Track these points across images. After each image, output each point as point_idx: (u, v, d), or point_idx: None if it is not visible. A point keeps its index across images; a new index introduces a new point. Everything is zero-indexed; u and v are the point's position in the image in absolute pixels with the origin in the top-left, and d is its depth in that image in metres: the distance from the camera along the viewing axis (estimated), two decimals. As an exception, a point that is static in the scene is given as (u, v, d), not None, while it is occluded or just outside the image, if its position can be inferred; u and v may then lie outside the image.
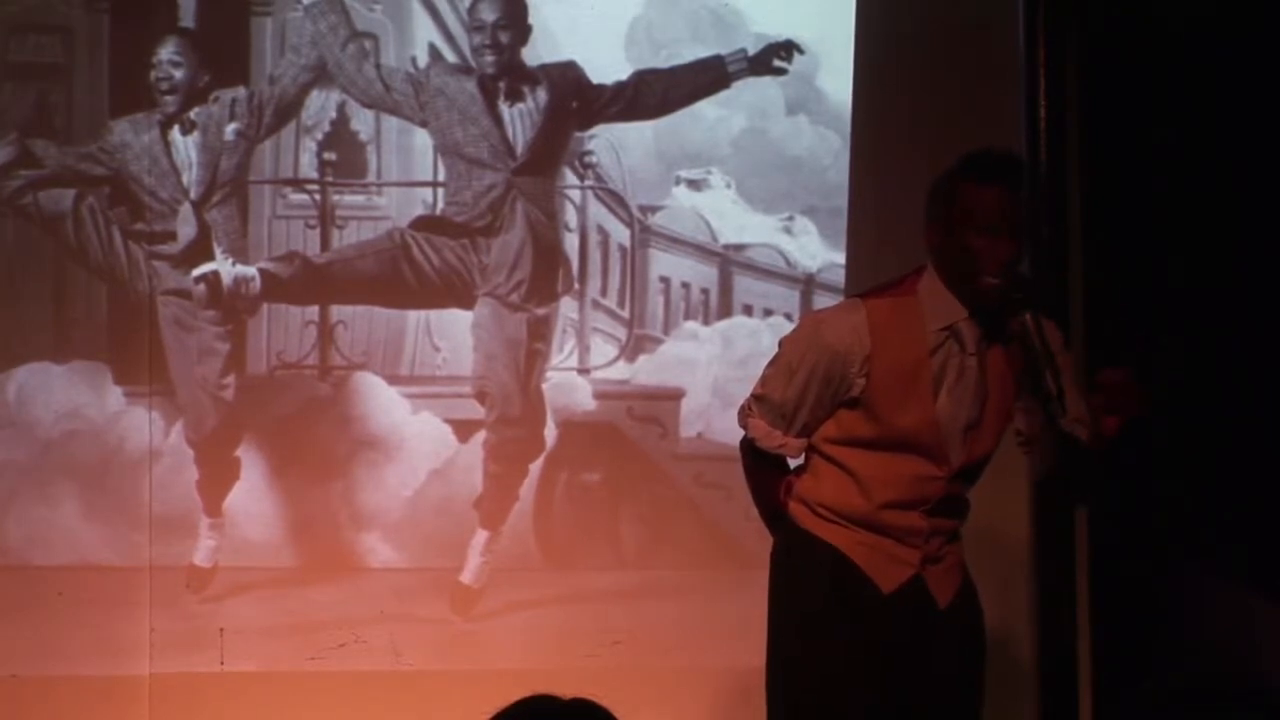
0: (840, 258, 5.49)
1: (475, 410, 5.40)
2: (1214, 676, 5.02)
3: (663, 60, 5.47)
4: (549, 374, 5.43)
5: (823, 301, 5.37)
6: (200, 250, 5.33)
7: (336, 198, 5.40)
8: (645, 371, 5.47)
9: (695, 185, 5.49)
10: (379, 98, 5.40)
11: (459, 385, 5.41)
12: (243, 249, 5.36)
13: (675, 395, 5.48)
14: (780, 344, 3.97)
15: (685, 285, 5.52)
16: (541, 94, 5.42)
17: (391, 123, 5.42)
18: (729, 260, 5.52)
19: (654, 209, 5.49)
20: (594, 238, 5.47)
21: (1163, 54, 5.25)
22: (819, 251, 5.52)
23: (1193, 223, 5.20)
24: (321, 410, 5.38)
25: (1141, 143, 5.29)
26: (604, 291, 5.48)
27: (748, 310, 5.52)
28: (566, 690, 2.64)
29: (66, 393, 5.29)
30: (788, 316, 5.45)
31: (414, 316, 5.41)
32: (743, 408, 4.00)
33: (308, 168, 5.40)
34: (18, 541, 5.27)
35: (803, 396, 3.88)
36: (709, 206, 5.51)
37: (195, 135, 5.34)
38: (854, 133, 5.46)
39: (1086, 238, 5.37)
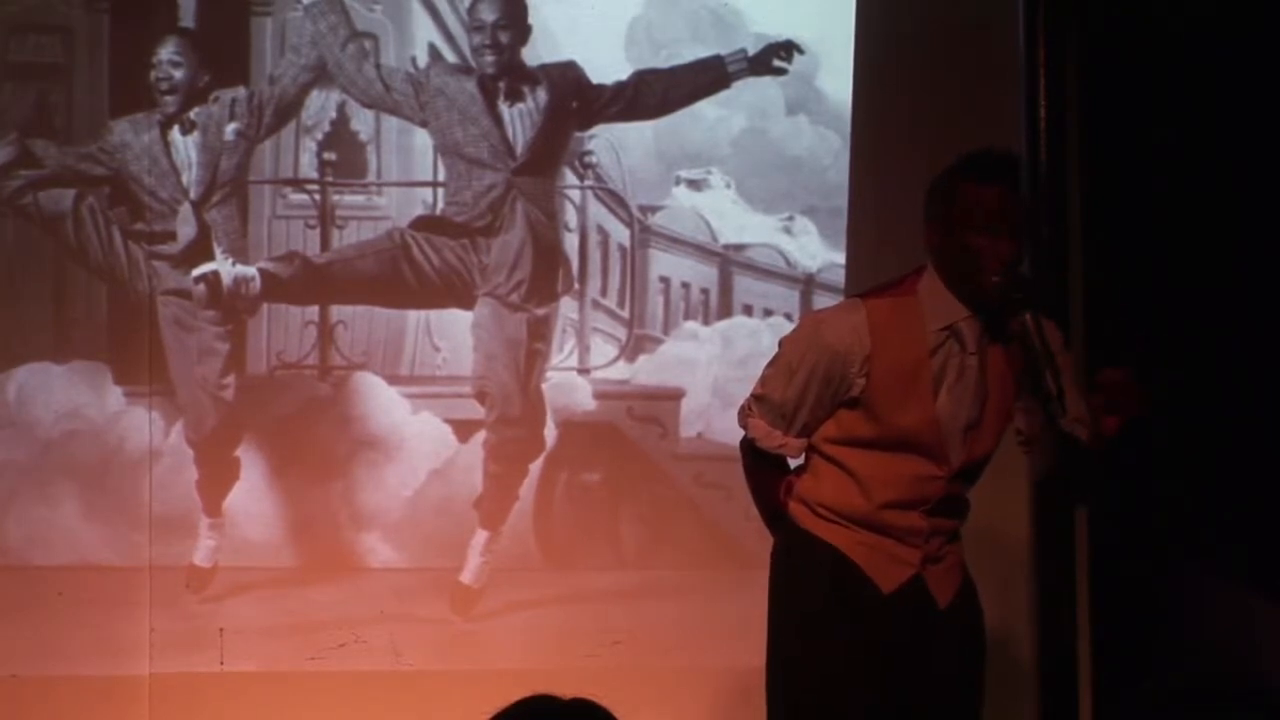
0: (840, 258, 5.49)
1: (475, 410, 5.40)
2: (1214, 676, 5.02)
3: (663, 60, 5.47)
4: (549, 374, 5.43)
5: (823, 301, 5.37)
6: (200, 250, 5.33)
7: (336, 198, 5.40)
8: (645, 371, 5.47)
9: (695, 185, 5.49)
10: (379, 98, 5.40)
11: (459, 385, 5.41)
12: (243, 249, 5.36)
13: (675, 395, 5.48)
14: (780, 344, 3.97)
15: (685, 285, 5.52)
16: (541, 94, 5.42)
17: (391, 123, 5.42)
18: (729, 260, 5.52)
19: (654, 209, 5.49)
20: (594, 238, 5.47)
21: (1163, 54, 5.25)
22: (819, 251, 5.52)
23: (1193, 223, 5.20)
24: (321, 410, 5.38)
25: (1141, 143, 5.28)
26: (604, 291, 5.48)
27: (748, 310, 5.52)
28: (566, 690, 2.64)
29: (66, 393, 5.29)
30: (788, 316, 5.45)
31: (414, 316, 5.41)
32: (743, 408, 4.00)
33: (308, 168, 5.40)
34: (18, 541, 5.27)
35: (803, 396, 3.88)
36: (709, 206, 5.51)
37: (195, 135, 5.34)
38: (854, 133, 5.46)
39: (1086, 238, 5.37)
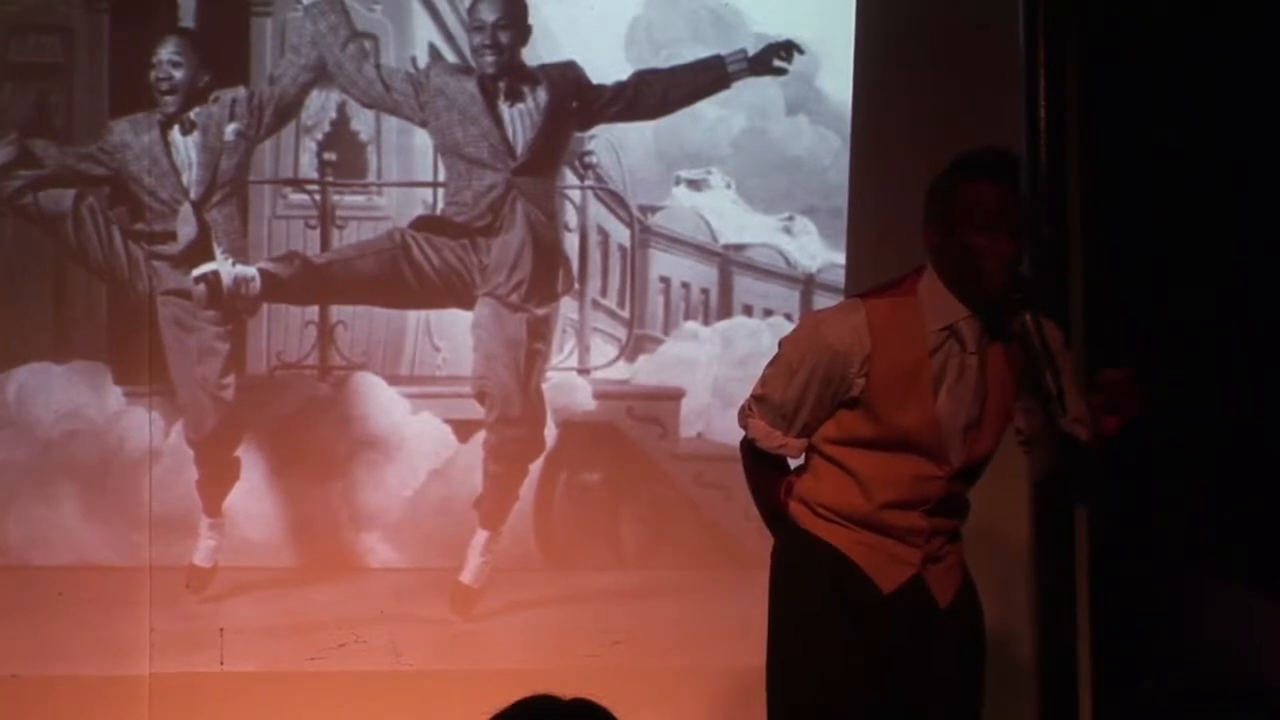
0: (840, 258, 5.49)
1: (475, 410, 5.40)
2: (1214, 676, 5.02)
3: (663, 60, 5.47)
4: (549, 374, 5.43)
5: (823, 301, 5.37)
6: (200, 250, 5.33)
7: (336, 198, 5.40)
8: (645, 371, 5.47)
9: (695, 185, 5.49)
10: (379, 98, 5.40)
11: (459, 385, 5.41)
12: (243, 249, 5.36)
13: (675, 395, 5.48)
14: (780, 344, 3.97)
15: (685, 285, 5.52)
16: (541, 94, 5.42)
17: (391, 123, 5.42)
18: (729, 260, 5.52)
19: (654, 209, 5.49)
20: (594, 238, 5.47)
21: (1163, 54, 5.25)
22: (819, 251, 5.52)
23: (1193, 223, 5.20)
24: (321, 410, 5.38)
25: (1141, 143, 5.28)
26: (604, 291, 5.48)
27: (748, 310, 5.52)
28: (566, 690, 2.64)
29: (66, 393, 5.29)
30: (788, 316, 5.45)
31: (414, 316, 5.41)
32: (743, 408, 4.00)
33: (308, 168, 5.40)
34: (18, 541, 5.27)
35: (803, 397, 3.88)
36: (709, 206, 5.51)
37: (195, 135, 5.34)
38: (854, 133, 5.46)
39: (1086, 238, 5.37)
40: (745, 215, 5.51)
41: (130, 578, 5.27)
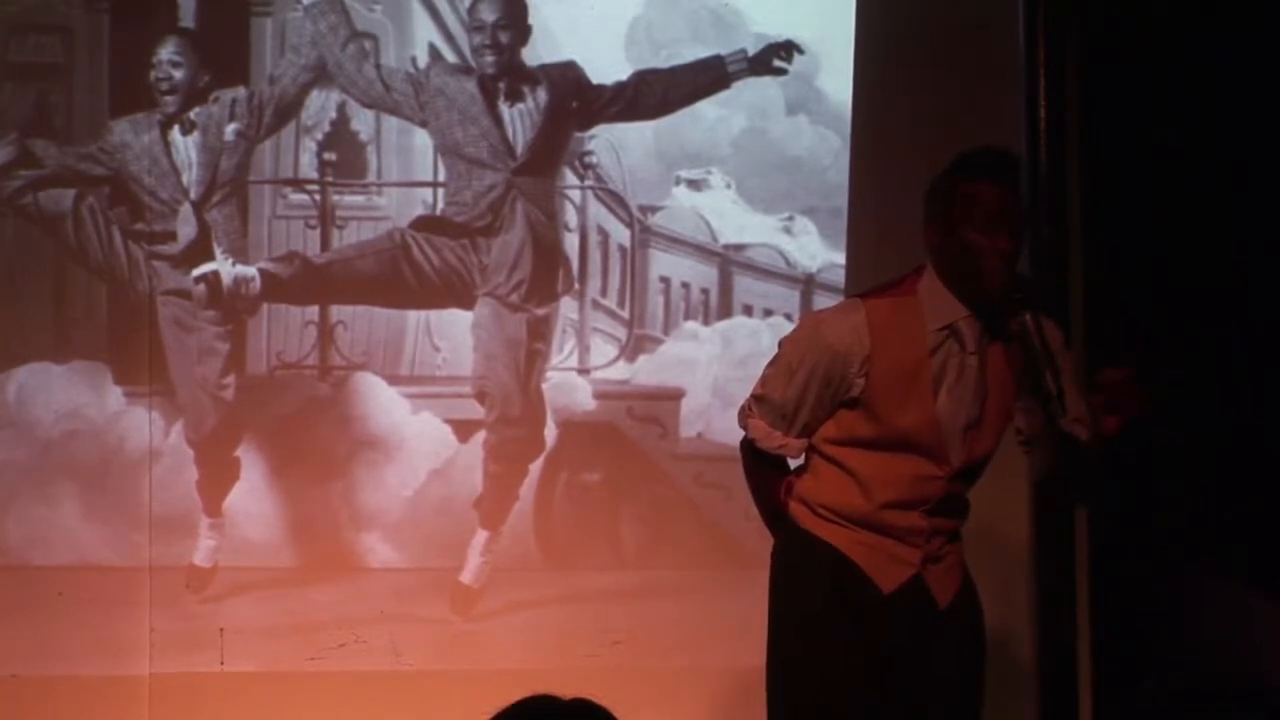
0: (840, 258, 5.49)
1: (475, 410, 5.40)
2: (1214, 676, 5.02)
3: (663, 60, 5.47)
4: (549, 374, 5.43)
5: (823, 301, 5.37)
6: (200, 250, 5.33)
7: (336, 198, 5.40)
8: (645, 371, 5.47)
9: (695, 185, 5.49)
10: (379, 98, 5.40)
11: (459, 385, 5.41)
12: (243, 249, 5.36)
13: (675, 395, 5.48)
14: (780, 344, 3.97)
15: (685, 285, 5.52)
16: (541, 94, 5.42)
17: (391, 123, 5.42)
18: (729, 260, 5.52)
19: (654, 209, 5.49)
20: (594, 238, 5.47)
21: (1163, 54, 5.25)
22: (819, 251, 5.52)
23: (1193, 223, 5.20)
24: (321, 410, 5.38)
25: (1141, 143, 5.28)
26: (604, 291, 5.48)
27: (748, 310, 5.52)
28: (566, 690, 2.64)
29: (66, 393, 5.29)
30: (788, 316, 5.45)
31: (414, 316, 5.41)
32: (743, 408, 4.00)
33: (308, 168, 5.40)
34: (18, 541, 5.27)
35: (803, 397, 3.88)
36: (709, 206, 5.51)
37: (195, 135, 5.34)
38: (854, 133, 5.46)
39: (1086, 238, 5.37)
40: (745, 215, 5.51)
41: (130, 578, 5.27)
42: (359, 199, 5.42)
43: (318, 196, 5.40)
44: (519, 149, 5.42)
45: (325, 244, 5.40)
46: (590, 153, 5.46)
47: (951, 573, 3.96)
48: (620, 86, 5.45)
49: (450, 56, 5.41)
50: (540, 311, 5.42)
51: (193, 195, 5.33)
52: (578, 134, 5.45)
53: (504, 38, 5.41)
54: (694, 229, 5.51)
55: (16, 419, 5.28)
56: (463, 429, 5.40)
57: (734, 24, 5.48)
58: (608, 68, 5.44)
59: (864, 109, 5.45)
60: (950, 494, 3.92)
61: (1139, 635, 5.25)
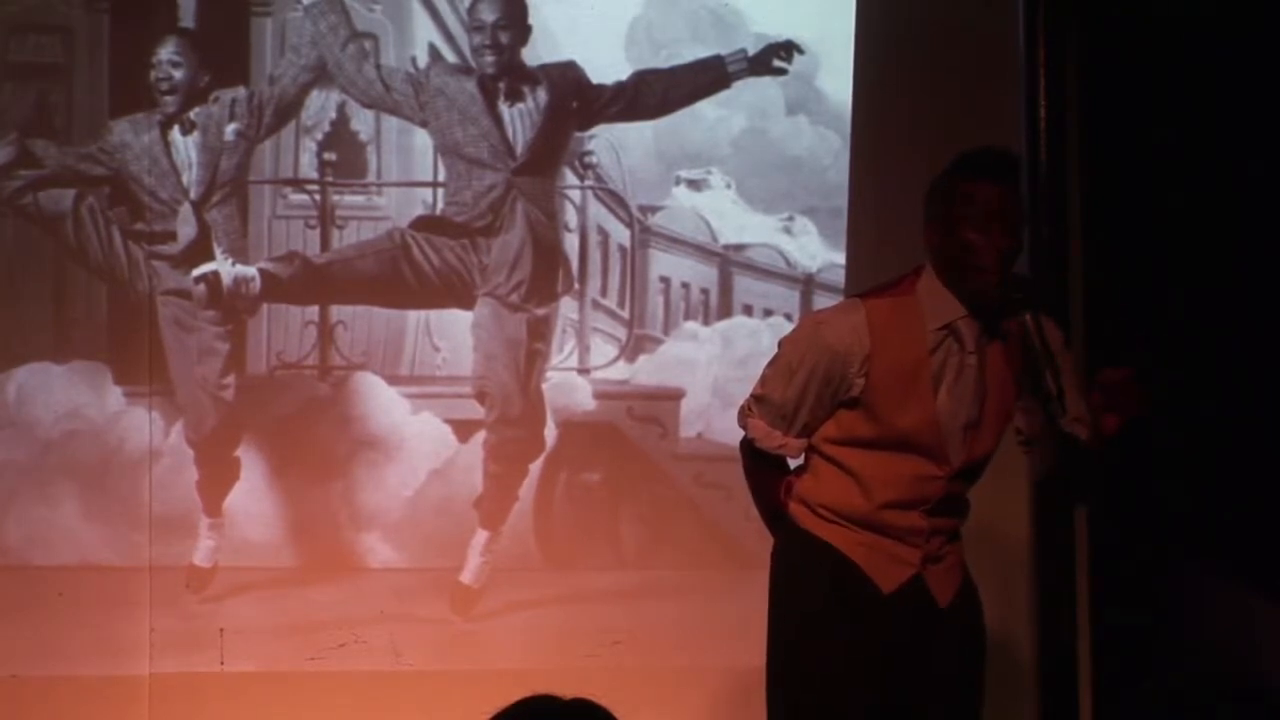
0: (840, 258, 5.49)
1: (475, 410, 5.40)
2: (1214, 676, 5.02)
3: (663, 60, 5.47)
4: (549, 374, 5.43)
5: (823, 301, 5.37)
6: (200, 250, 5.33)
7: (336, 198, 5.40)
8: (645, 371, 5.47)
9: (695, 185, 5.49)
10: (379, 98, 5.40)
11: (459, 385, 5.41)
12: (243, 249, 5.36)
13: (675, 395, 5.48)
14: (780, 344, 3.98)
15: (685, 285, 5.52)
16: (541, 94, 5.42)
17: (391, 123, 5.42)
18: (729, 260, 5.52)
19: (654, 209, 5.49)
20: (594, 238, 5.47)
21: (1163, 54, 5.25)
22: (819, 251, 5.52)
23: (1193, 223, 5.20)
24: (321, 410, 5.38)
25: (1141, 143, 5.28)
26: (604, 291, 5.48)
27: (748, 310, 5.52)
28: (566, 690, 2.64)
29: (66, 393, 5.29)
30: (788, 316, 5.45)
31: (414, 316, 5.41)
32: (742, 408, 4.00)
33: (308, 168, 5.40)
34: (18, 541, 5.27)
35: (802, 397, 3.88)
36: (709, 206, 5.51)
37: (195, 135, 5.34)
38: (854, 133, 5.46)
39: (1086, 238, 5.37)
40: (745, 215, 5.51)
41: (130, 578, 5.27)
42: (359, 199, 5.42)
43: (318, 196, 5.40)
44: (519, 149, 5.42)
45: (325, 244, 5.40)
46: (590, 153, 5.46)
47: (951, 573, 3.96)
48: (620, 86, 5.45)
49: (450, 56, 5.41)
50: (540, 311, 5.42)
51: (193, 195, 5.34)
52: (578, 134, 5.45)
53: (504, 38, 5.41)
54: (694, 229, 5.51)
55: (16, 419, 5.28)
56: (463, 429, 5.40)
57: (734, 24, 5.48)
58: (608, 68, 5.44)
59: (864, 109, 5.45)
60: (950, 494, 3.92)
61: (1139, 635, 5.25)
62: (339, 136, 5.41)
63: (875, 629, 3.86)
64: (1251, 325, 5.13)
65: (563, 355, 5.44)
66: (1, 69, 5.31)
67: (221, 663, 5.28)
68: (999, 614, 4.57)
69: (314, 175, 5.40)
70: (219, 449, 5.33)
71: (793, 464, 4.01)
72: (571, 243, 5.46)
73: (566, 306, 5.44)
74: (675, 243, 5.50)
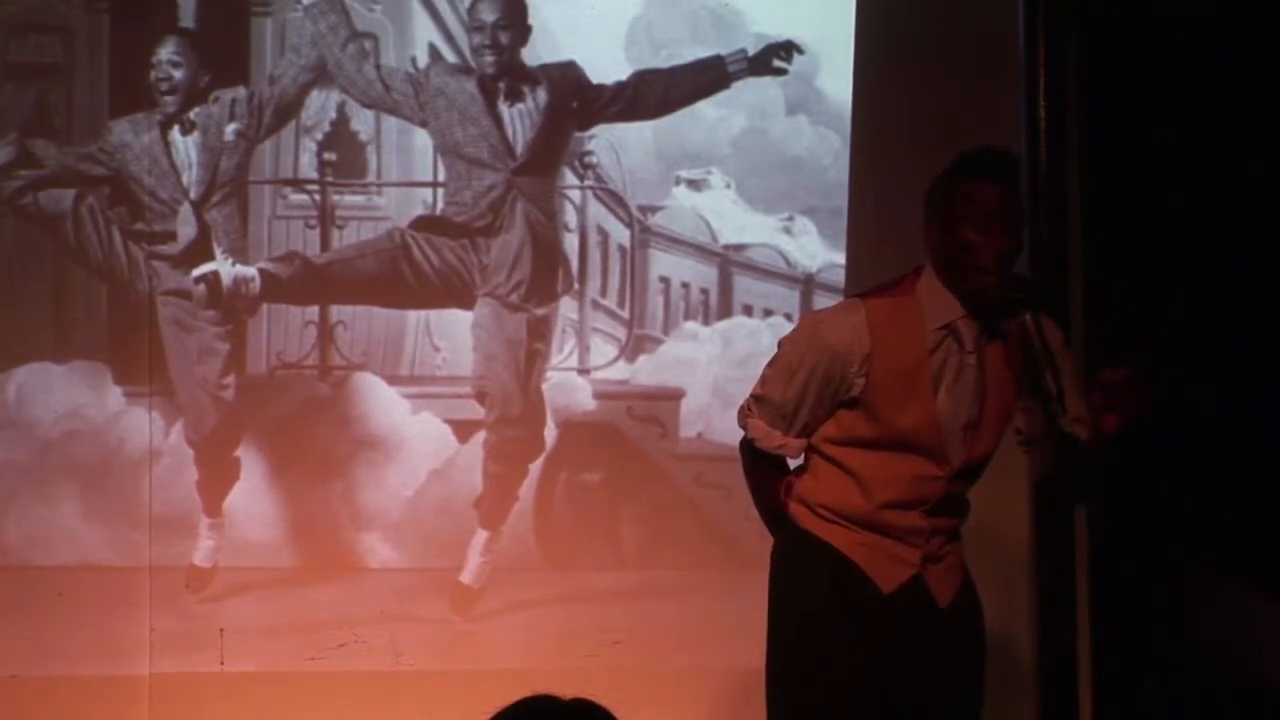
0: (840, 258, 5.49)
1: (475, 410, 5.40)
2: (1214, 676, 5.02)
3: (663, 60, 5.47)
4: (549, 374, 5.43)
5: (823, 301, 5.37)
6: (200, 250, 5.33)
7: (336, 198, 5.40)
8: (645, 371, 5.47)
9: (695, 185, 5.49)
10: (379, 98, 5.40)
11: (459, 385, 5.41)
12: (243, 249, 5.36)
13: (675, 395, 5.48)
14: (780, 344, 3.97)
15: (685, 285, 5.52)
16: (541, 94, 5.42)
17: (391, 123, 5.42)
18: (729, 260, 5.52)
19: (654, 209, 5.49)
20: (594, 238, 5.47)
21: (1163, 54, 5.25)
22: (819, 251, 5.52)
23: (1193, 222, 5.20)
24: (321, 410, 5.38)
25: (1141, 143, 5.28)
26: (604, 291, 5.48)
27: (748, 310, 5.52)
28: (566, 690, 2.64)
29: (66, 393, 5.29)
30: (788, 316, 5.45)
31: (414, 316, 5.41)
32: (742, 408, 4.00)
33: (308, 168, 5.40)
34: (18, 541, 5.27)
35: (802, 397, 3.88)
36: (709, 206, 5.51)
37: (195, 135, 5.34)
38: (854, 133, 5.46)
39: (1086, 238, 5.37)
40: (745, 215, 5.51)
41: (130, 578, 5.27)
42: (359, 199, 5.42)
43: (318, 196, 5.40)
44: (519, 149, 5.42)
45: (325, 244, 5.40)
46: (590, 153, 5.46)
47: (951, 573, 3.96)
48: (620, 86, 5.45)
49: (450, 56, 5.41)
50: (540, 311, 5.42)
51: (193, 195, 5.34)
52: (578, 134, 5.45)
53: (504, 38, 5.41)
54: (694, 229, 5.51)
55: (16, 419, 5.28)
56: (463, 429, 5.40)
57: (734, 24, 5.48)
58: (608, 68, 5.44)
59: (864, 109, 5.45)
60: (950, 494, 3.92)
61: (1139, 635, 5.25)
62: (339, 136, 5.41)
63: (875, 629, 3.86)
64: (1251, 325, 5.13)
65: (563, 355, 5.44)
66: (1, 69, 5.31)
67: (221, 663, 5.28)
68: (999, 614, 4.57)
69: (314, 175, 5.40)
70: (219, 449, 5.33)
71: (793, 464, 4.01)
72: (571, 243, 5.46)
73: (566, 306, 5.44)
74: (675, 243, 5.50)
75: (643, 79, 5.46)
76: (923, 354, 3.84)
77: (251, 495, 5.34)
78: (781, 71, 5.49)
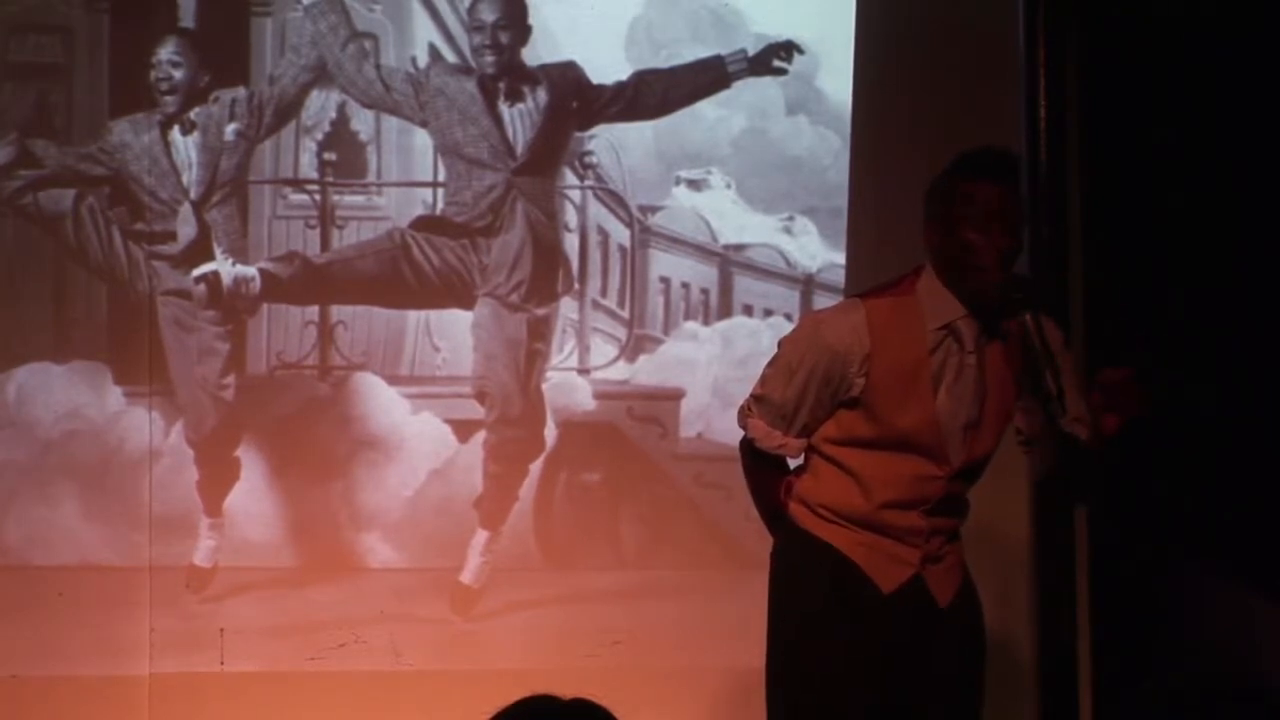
0: (840, 258, 5.49)
1: (475, 410, 5.40)
2: (1214, 676, 5.02)
3: (663, 60, 5.47)
4: (549, 374, 5.43)
5: (823, 301, 5.37)
6: (200, 250, 5.33)
7: (336, 198, 5.40)
8: (645, 371, 5.47)
9: (695, 185, 5.50)
10: (379, 98, 5.40)
11: (459, 385, 5.41)
12: (243, 249, 5.36)
13: (675, 395, 5.48)
14: (780, 344, 3.97)
15: (685, 285, 5.52)
16: (541, 94, 5.42)
17: (391, 123, 5.42)
18: (729, 260, 5.52)
19: (654, 209, 5.49)
20: (594, 238, 5.47)
21: (1163, 54, 5.25)
22: (819, 251, 5.52)
23: (1193, 222, 5.20)
24: (321, 410, 5.38)
25: (1141, 143, 5.28)
26: (604, 291, 5.48)
27: (748, 310, 5.52)
28: (566, 690, 2.64)
29: (66, 393, 5.29)
30: (788, 316, 5.45)
31: (414, 316, 5.41)
32: (742, 408, 4.00)
33: (308, 168, 5.40)
34: (18, 541, 5.27)
35: (802, 397, 3.88)
36: (709, 206, 5.51)
37: (195, 135, 5.34)
38: (854, 133, 5.46)
39: (1086, 238, 5.37)
40: (745, 215, 5.51)
41: (130, 578, 5.27)
42: (359, 199, 5.42)
43: (318, 196, 5.40)
44: (519, 149, 5.42)
45: (325, 244, 5.40)
46: (590, 153, 5.46)
47: (951, 573, 3.96)
48: (620, 86, 5.45)
49: (450, 56, 5.41)
50: (540, 311, 5.42)
51: (193, 195, 5.34)
52: (578, 134, 5.45)
53: (504, 38, 5.41)
54: (694, 229, 5.51)
55: (16, 419, 5.28)
56: (463, 429, 5.40)
57: (734, 24, 5.48)
58: (608, 68, 5.44)
59: (864, 109, 5.45)
60: (950, 494, 3.92)
61: (1139, 635, 5.25)
62: (339, 136, 5.41)
63: (875, 629, 3.86)
64: (1251, 325, 5.13)
65: (563, 355, 5.44)
66: (1, 69, 5.31)
67: (221, 663, 5.28)
68: (999, 614, 4.57)
69: (314, 175, 5.40)
70: (219, 449, 5.33)
71: (792, 464, 4.01)
72: (571, 243, 5.46)
73: (566, 306, 5.44)
74: (675, 243, 5.50)
75: (643, 79, 5.46)
76: (923, 354, 3.84)
77: (251, 495, 5.34)
78: (781, 71, 5.49)
